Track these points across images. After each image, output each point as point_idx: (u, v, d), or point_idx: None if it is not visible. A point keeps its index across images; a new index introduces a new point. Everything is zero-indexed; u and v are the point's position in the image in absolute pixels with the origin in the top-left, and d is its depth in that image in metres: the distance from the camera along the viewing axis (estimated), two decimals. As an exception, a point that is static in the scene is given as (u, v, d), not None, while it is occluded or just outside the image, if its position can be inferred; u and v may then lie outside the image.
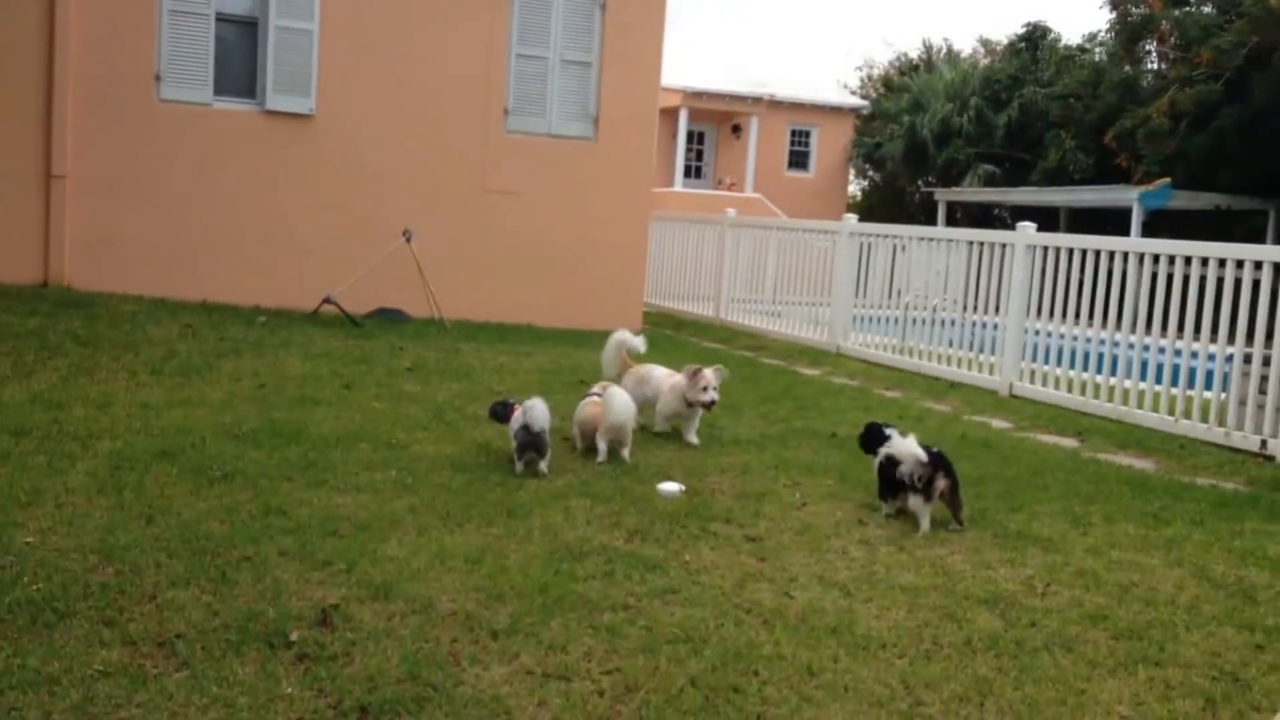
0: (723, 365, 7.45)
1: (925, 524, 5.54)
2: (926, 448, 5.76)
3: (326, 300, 11.56)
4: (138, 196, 11.75)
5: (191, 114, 12.00)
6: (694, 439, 7.24)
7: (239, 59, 12.24)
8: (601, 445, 6.51)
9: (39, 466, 5.36)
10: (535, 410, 6.00)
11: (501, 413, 6.39)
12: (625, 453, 6.58)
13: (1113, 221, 22.59)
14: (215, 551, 4.41)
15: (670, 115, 27.74)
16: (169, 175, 11.91)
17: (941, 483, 5.58)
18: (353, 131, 12.56)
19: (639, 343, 7.82)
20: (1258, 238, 21.86)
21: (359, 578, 4.28)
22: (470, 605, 4.10)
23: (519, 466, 6.09)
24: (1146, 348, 9.20)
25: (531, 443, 6.01)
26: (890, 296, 12.68)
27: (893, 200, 32.25)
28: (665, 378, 7.48)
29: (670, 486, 5.97)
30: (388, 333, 11.01)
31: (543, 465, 6.10)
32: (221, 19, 12.08)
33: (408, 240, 12.04)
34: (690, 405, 7.19)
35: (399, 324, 11.80)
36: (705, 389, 7.06)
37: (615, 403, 6.45)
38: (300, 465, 5.79)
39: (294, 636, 3.69)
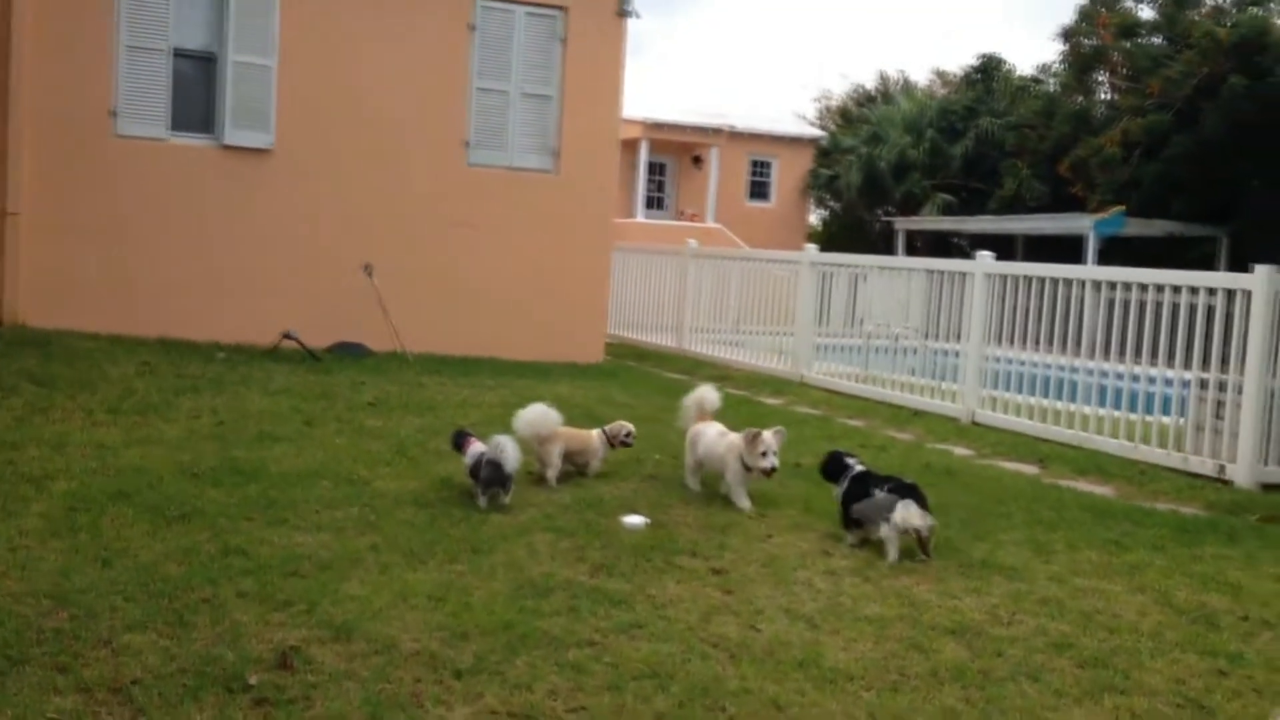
0: (782, 427, 6.65)
1: (894, 554, 5.54)
2: (900, 479, 5.78)
3: (286, 335, 11.46)
4: (94, 233, 11.62)
5: (148, 149, 11.89)
6: (745, 503, 6.49)
7: (196, 94, 12.16)
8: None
9: (-9, 509, 5.26)
10: (507, 450, 5.99)
11: (459, 443, 6.38)
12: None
13: (1068, 249, 22.86)
14: (173, 594, 4.33)
15: (631, 146, 27.87)
16: (126, 211, 11.79)
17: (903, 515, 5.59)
18: (312, 166, 12.49)
19: (715, 399, 7.21)
20: (1209, 264, 22.20)
21: (320, 618, 4.21)
22: (433, 644, 4.05)
23: (482, 501, 6.05)
24: (1105, 374, 9.31)
25: (498, 479, 5.99)
26: (852, 326, 12.76)
27: (852, 230, 32.48)
28: (716, 437, 6.76)
29: (634, 519, 5.95)
30: (349, 368, 10.93)
31: (505, 498, 6.07)
32: (179, 54, 12.00)
33: (368, 274, 11.97)
34: (748, 470, 6.47)
35: (360, 358, 11.72)
36: (765, 454, 6.32)
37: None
38: (260, 504, 5.72)
39: (253, 680, 3.62)
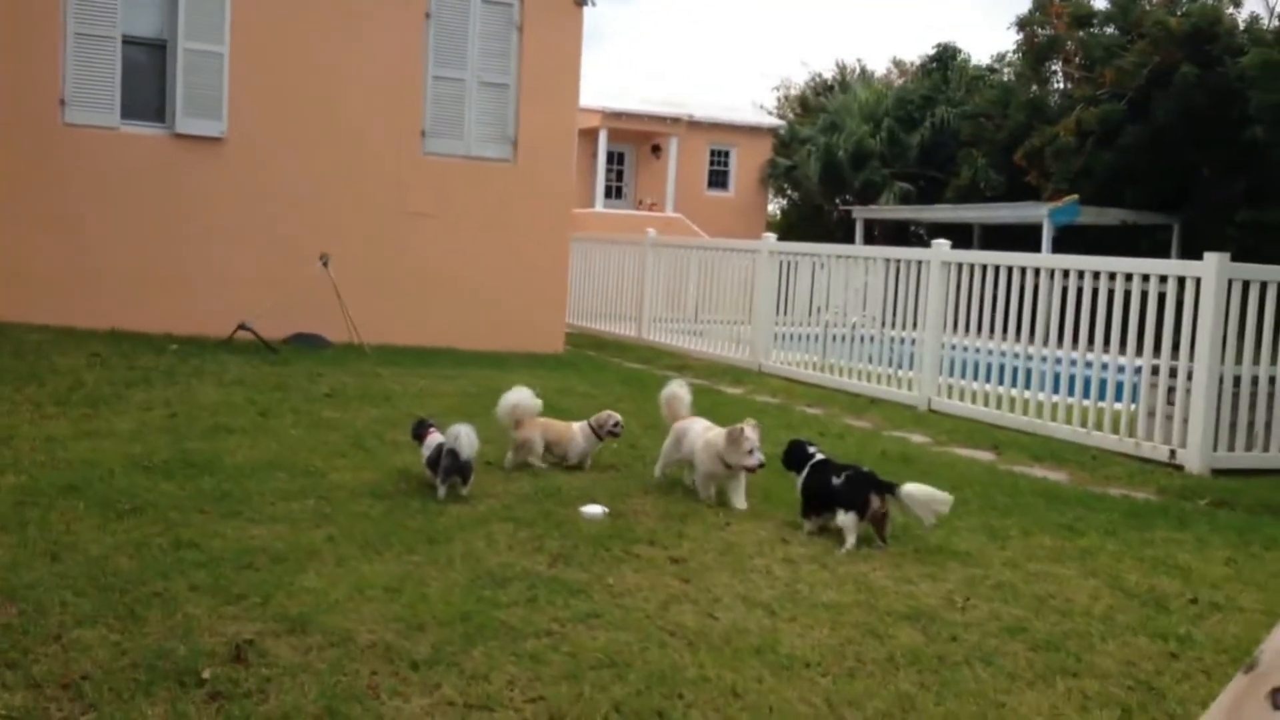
0: (756, 420, 6.41)
1: (851, 541, 5.57)
2: (857, 467, 5.81)
3: (241, 326, 11.34)
4: (43, 223, 11.44)
5: (98, 138, 11.73)
6: (741, 503, 6.30)
7: (147, 82, 12.00)
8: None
9: (-63, 504, 5.16)
10: (464, 438, 5.96)
11: (419, 432, 6.35)
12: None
13: (1025, 238, 23.08)
14: (124, 588, 4.27)
15: (589, 136, 27.80)
16: (75, 200, 11.62)
17: (876, 502, 5.59)
18: (266, 154, 12.37)
19: (684, 396, 7.03)
20: (1162, 252, 22.50)
21: (274, 611, 4.17)
22: (390, 636, 4.02)
23: (441, 491, 6.03)
24: (1059, 361, 9.41)
25: (457, 468, 5.97)
26: (810, 314, 12.82)
27: (811, 219, 32.64)
28: (702, 432, 6.58)
29: (593, 509, 5.94)
30: (305, 359, 10.83)
31: (464, 489, 6.05)
32: (129, 41, 11.84)
33: (325, 264, 11.87)
34: (728, 468, 6.28)
35: (317, 350, 11.62)
36: (750, 451, 6.12)
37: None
38: (214, 496, 5.65)
39: (206, 674, 3.58)
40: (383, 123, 12.91)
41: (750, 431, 6.16)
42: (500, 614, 4.31)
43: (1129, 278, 8.86)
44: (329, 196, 12.63)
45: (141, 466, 6.11)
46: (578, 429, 7.05)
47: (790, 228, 31.63)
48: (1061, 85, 28.09)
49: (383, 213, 12.90)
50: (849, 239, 27.60)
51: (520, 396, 6.87)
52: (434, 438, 6.22)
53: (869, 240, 28.11)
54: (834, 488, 5.72)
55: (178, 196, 12.05)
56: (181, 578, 4.43)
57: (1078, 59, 26.12)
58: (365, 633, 4.03)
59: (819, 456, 6.04)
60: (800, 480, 5.97)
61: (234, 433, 7.20)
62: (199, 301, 11.82)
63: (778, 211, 35.95)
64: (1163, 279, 8.59)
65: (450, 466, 5.97)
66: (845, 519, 5.60)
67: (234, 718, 3.33)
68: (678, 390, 7.01)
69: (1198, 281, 8.26)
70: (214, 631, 3.94)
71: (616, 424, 7.05)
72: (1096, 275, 9.12)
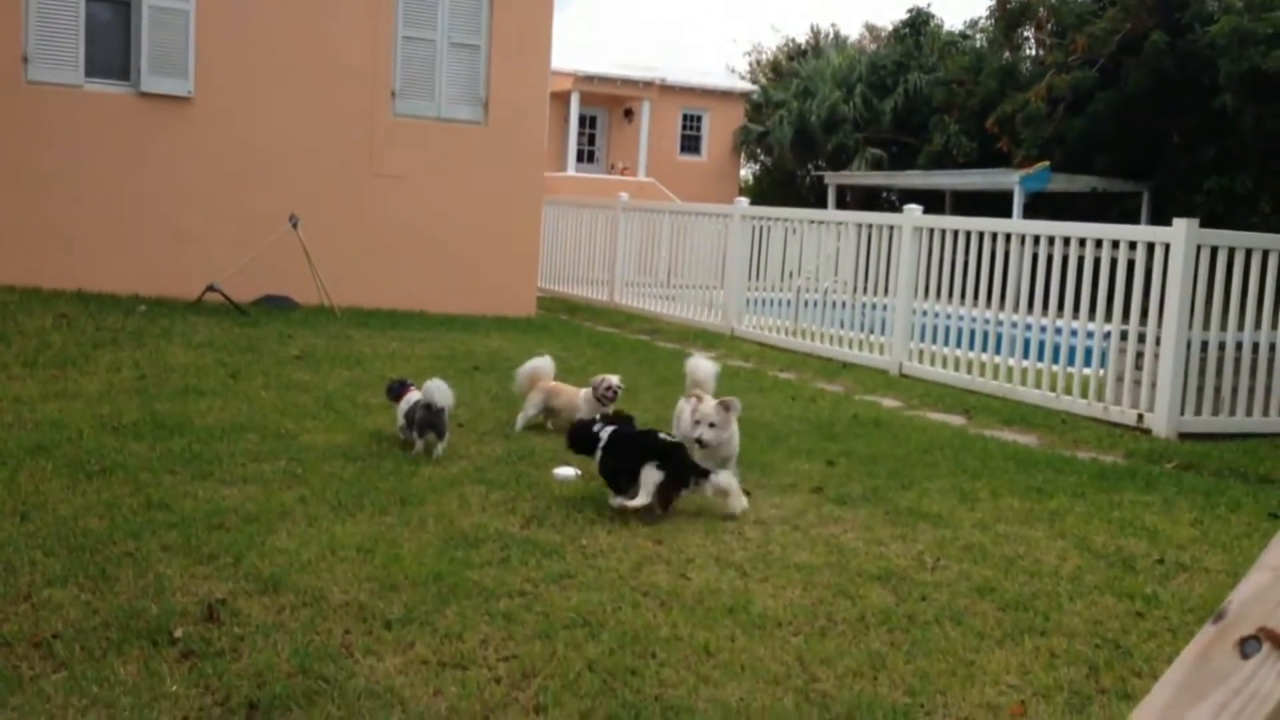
0: (735, 399, 6.02)
1: (644, 499, 5.18)
2: (662, 438, 5.47)
3: (210, 288, 11.23)
4: (7, 181, 11.26)
5: (62, 96, 11.53)
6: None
7: (112, 39, 11.79)
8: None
9: (-99, 465, 5.10)
10: (437, 389, 5.97)
11: (397, 391, 6.34)
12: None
13: (996, 204, 23.18)
14: (94, 548, 4.24)
15: (561, 99, 27.61)
16: (40, 159, 11.43)
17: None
18: (234, 114, 12.20)
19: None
20: (1132, 219, 22.67)
21: (246, 571, 4.16)
22: (363, 596, 4.02)
23: (418, 446, 6.02)
24: (1029, 326, 9.47)
25: (431, 422, 5.95)
26: (782, 279, 12.83)
27: (783, 184, 32.61)
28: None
29: (566, 471, 5.94)
30: (275, 321, 10.75)
31: (440, 448, 6.04)
32: (93, -2, 11.62)
33: (294, 226, 11.75)
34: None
35: (287, 311, 11.53)
36: (698, 423, 5.81)
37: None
38: (184, 458, 5.61)
39: (178, 633, 3.57)
40: (352, 83, 12.76)
41: (707, 406, 5.86)
42: (473, 574, 4.32)
43: (1099, 244, 8.91)
44: (298, 157, 12.49)
45: (110, 427, 6.06)
46: (581, 395, 6.95)
47: (763, 193, 31.58)
48: (1033, 52, 28.12)
49: (352, 174, 12.77)
50: (821, 204, 27.61)
51: (540, 363, 7.00)
52: (412, 395, 6.21)
53: (841, 206, 28.13)
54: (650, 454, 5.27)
55: (144, 156, 11.88)
56: (152, 538, 4.41)
57: (1049, 25, 26.12)
58: (338, 592, 4.03)
59: (606, 434, 5.47)
60: (599, 459, 5.47)
61: (204, 394, 7.14)
62: (167, 262, 11.69)
63: (750, 177, 35.89)
64: (1132, 245, 8.64)
65: (425, 420, 5.97)
66: (652, 474, 5.18)
67: (207, 676, 3.32)
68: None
69: (1167, 247, 8.31)
70: (186, 591, 3.93)
71: (609, 387, 6.88)
72: (1067, 241, 9.17)
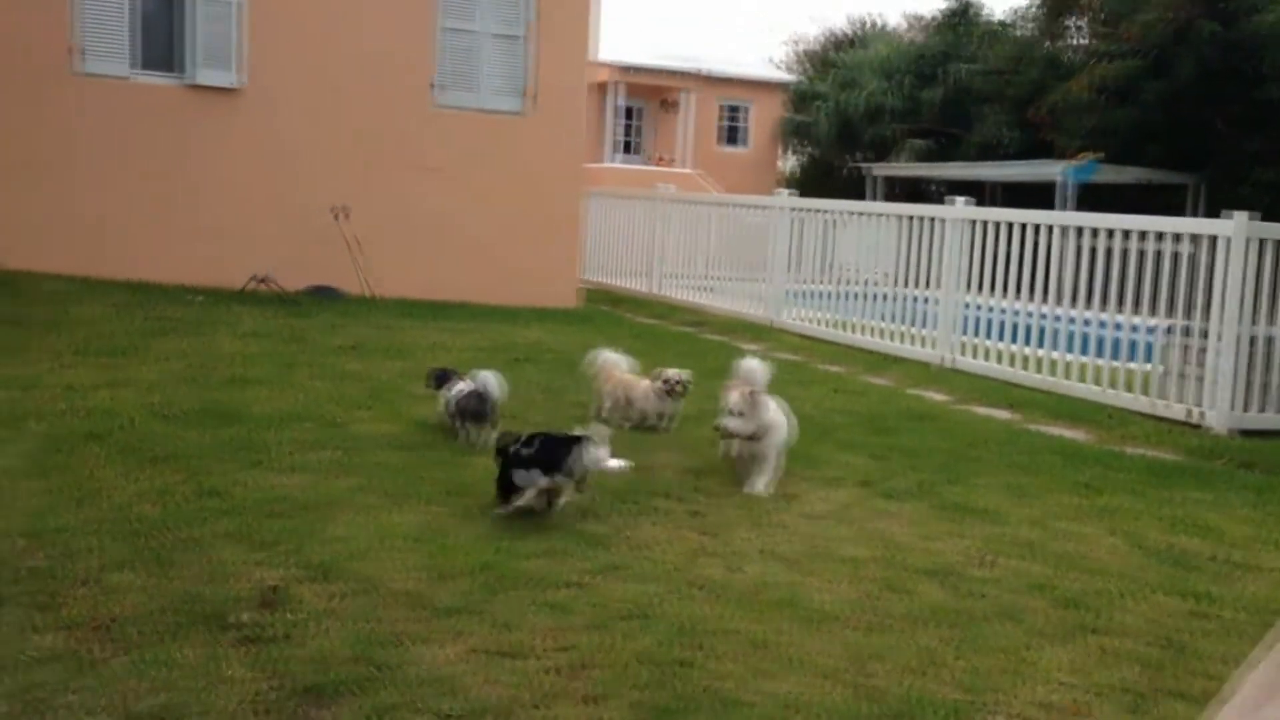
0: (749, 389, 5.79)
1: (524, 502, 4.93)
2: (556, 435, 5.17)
3: (255, 278, 11.33)
4: (59, 173, 11.39)
5: (111, 87, 11.64)
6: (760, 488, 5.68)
7: (160, 31, 11.90)
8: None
9: (-37, 450, 5.19)
10: (490, 381, 6.04)
11: (441, 380, 6.36)
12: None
13: (1041, 196, 22.88)
14: (151, 534, 4.30)
15: (602, 90, 27.61)
16: (90, 151, 11.56)
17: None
18: (280, 105, 12.28)
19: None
20: (1179, 211, 22.32)
21: (301, 558, 4.20)
22: (416, 584, 4.05)
23: (464, 435, 6.04)
24: (1077, 320, 9.36)
25: (480, 411, 5.98)
26: (826, 271, 12.75)
27: (824, 175, 32.39)
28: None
29: (613, 462, 5.93)
30: (322, 311, 10.82)
31: (490, 437, 6.04)
32: (141, -10, 11.74)
33: (338, 217, 11.83)
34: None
35: (333, 302, 11.61)
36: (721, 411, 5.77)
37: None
38: (236, 446, 5.67)
39: (236, 618, 3.62)
40: (395, 74, 12.80)
41: (734, 396, 5.72)
42: (523, 565, 4.33)
43: (1152, 236, 8.78)
44: (343, 148, 12.55)
45: (163, 416, 6.13)
46: (647, 387, 6.85)
47: (804, 184, 31.38)
48: (1080, 41, 27.74)
49: (395, 165, 12.82)
50: (863, 196, 27.42)
51: (609, 356, 7.00)
52: (458, 384, 6.23)
53: (884, 197, 27.93)
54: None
55: (193, 147, 11.99)
56: (209, 525, 4.46)
57: (1097, 14, 25.75)
58: (392, 580, 4.06)
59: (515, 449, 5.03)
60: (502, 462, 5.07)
61: (254, 383, 7.21)
62: (214, 253, 11.78)
63: (790, 168, 35.70)
64: (1184, 238, 8.51)
65: (475, 409, 5.99)
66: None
67: (266, 661, 3.36)
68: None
69: (1221, 241, 8.17)
70: (243, 577, 3.97)
71: (674, 380, 6.73)
72: (1114, 234, 9.05)
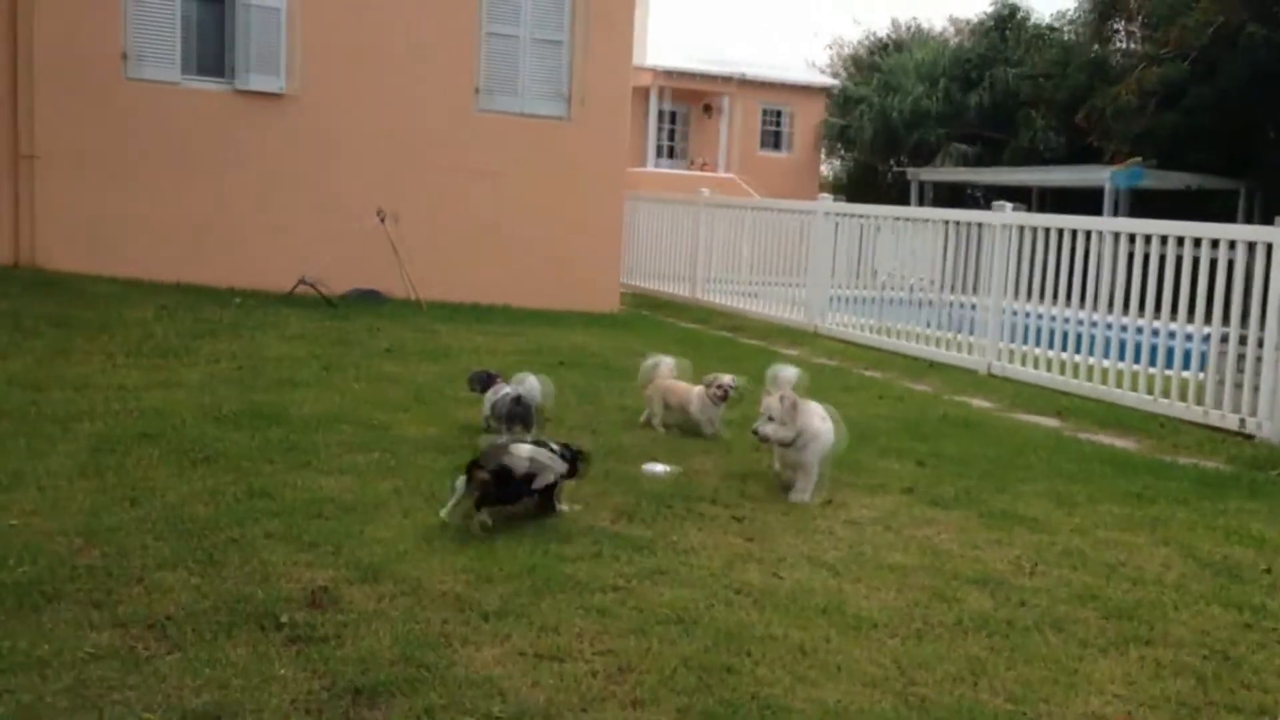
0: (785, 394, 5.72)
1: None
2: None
3: (302, 281, 11.45)
4: (108, 177, 11.58)
5: (160, 92, 11.82)
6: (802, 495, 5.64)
7: (210, 37, 12.07)
8: None
9: (18, 449, 5.28)
10: (532, 384, 6.08)
11: (483, 383, 6.39)
12: None
13: (1085, 201, 22.68)
14: (201, 533, 4.36)
15: (642, 95, 27.65)
16: (139, 155, 11.74)
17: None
18: (325, 110, 12.41)
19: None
20: (1228, 217, 22.03)
21: (347, 559, 4.23)
22: (459, 587, 4.07)
23: (505, 438, 6.05)
24: (1125, 327, 9.25)
25: (521, 415, 6.00)
26: (867, 277, 12.70)
27: (865, 180, 32.28)
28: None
29: (656, 467, 5.95)
30: (365, 314, 10.92)
31: (529, 437, 6.08)
32: (189, -4, 11.91)
33: (382, 220, 11.94)
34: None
35: (376, 305, 11.71)
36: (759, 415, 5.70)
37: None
38: (282, 447, 5.73)
39: (285, 618, 3.65)
40: (438, 79, 12.90)
41: (771, 401, 5.66)
42: (566, 568, 4.34)
43: (1198, 243, 8.66)
44: (387, 153, 12.67)
45: (212, 417, 6.21)
46: (695, 393, 6.84)
47: (844, 189, 31.31)
48: (1124, 45, 27.45)
49: (438, 169, 12.92)
50: (903, 201, 27.27)
51: (660, 360, 7.03)
52: (500, 388, 6.26)
53: (924, 203, 27.77)
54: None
55: (239, 152, 12.14)
56: (256, 525, 4.51)
57: (1142, 18, 25.50)
58: (436, 582, 4.08)
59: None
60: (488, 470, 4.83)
61: (299, 385, 7.28)
62: (260, 256, 11.93)
63: (833, 174, 35.60)
64: (1232, 245, 8.39)
65: (515, 413, 6.01)
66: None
67: (314, 661, 3.39)
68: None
69: (1270, 247, 8.05)
70: (290, 577, 4.01)
71: (719, 385, 6.72)
72: (1165, 240, 8.94)
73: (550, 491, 4.95)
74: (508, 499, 4.82)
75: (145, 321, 9.04)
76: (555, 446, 5.01)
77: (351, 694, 3.22)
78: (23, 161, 11.18)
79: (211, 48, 12.07)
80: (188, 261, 11.65)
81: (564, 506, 5.05)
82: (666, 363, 7.08)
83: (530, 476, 4.82)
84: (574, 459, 5.01)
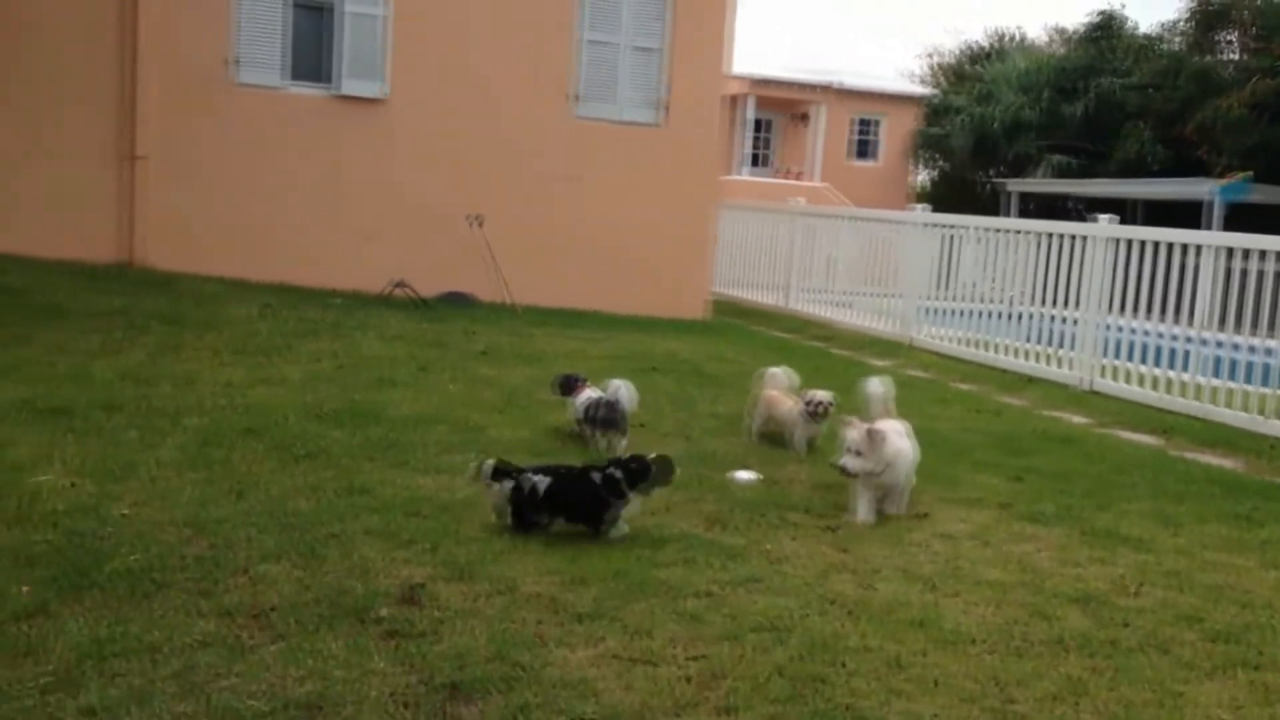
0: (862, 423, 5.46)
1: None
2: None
3: (398, 283, 11.65)
4: (215, 178, 11.91)
5: (266, 97, 12.12)
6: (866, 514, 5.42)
7: (312, 44, 12.35)
8: None
9: (130, 441, 5.46)
10: (623, 391, 6.12)
11: (569, 386, 6.44)
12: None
13: (1188, 215, 22.04)
14: (303, 528, 4.46)
15: (734, 103, 27.59)
16: (244, 158, 12.05)
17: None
18: (423, 115, 12.61)
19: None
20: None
21: (442, 558, 4.30)
22: (552, 588, 4.10)
23: (600, 444, 6.10)
24: (1236, 346, 8.97)
25: (613, 420, 6.05)
26: (961, 288, 12.50)
27: (959, 190, 31.75)
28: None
29: (745, 475, 5.93)
30: (459, 317, 11.07)
31: (621, 443, 6.11)
32: (295, 4, 12.19)
33: (477, 224, 12.09)
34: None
35: (468, 308, 11.87)
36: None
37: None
38: (381, 445, 5.84)
39: (383, 613, 3.72)
40: (536, 86, 13.03)
41: (851, 432, 5.39)
42: (659, 573, 4.35)
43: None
44: (482, 157, 12.82)
45: (313, 414, 6.36)
46: (792, 407, 6.74)
47: (936, 199, 30.84)
48: (1234, 56, 26.64)
49: (534, 175, 13.04)
50: (996, 212, 26.79)
51: (773, 372, 6.99)
52: (588, 391, 6.30)
53: (1021, 214, 27.25)
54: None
55: (338, 155, 12.40)
56: (355, 521, 4.60)
57: (1252, 28, 24.73)
58: (529, 583, 4.12)
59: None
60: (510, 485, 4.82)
61: (397, 385, 7.41)
62: (358, 258, 12.16)
63: (924, 183, 35.10)
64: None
65: (607, 419, 6.06)
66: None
67: (410, 656, 3.45)
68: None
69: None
70: (388, 573, 4.09)
71: (817, 403, 6.56)
72: (1265, 255, 8.66)
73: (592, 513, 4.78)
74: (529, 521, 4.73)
75: (249, 320, 9.28)
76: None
77: (447, 689, 3.27)
78: (134, 163, 11.55)
79: (312, 54, 12.36)
80: (288, 263, 11.91)
81: (623, 528, 4.83)
82: (778, 374, 7.01)
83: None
84: (642, 471, 4.80)
